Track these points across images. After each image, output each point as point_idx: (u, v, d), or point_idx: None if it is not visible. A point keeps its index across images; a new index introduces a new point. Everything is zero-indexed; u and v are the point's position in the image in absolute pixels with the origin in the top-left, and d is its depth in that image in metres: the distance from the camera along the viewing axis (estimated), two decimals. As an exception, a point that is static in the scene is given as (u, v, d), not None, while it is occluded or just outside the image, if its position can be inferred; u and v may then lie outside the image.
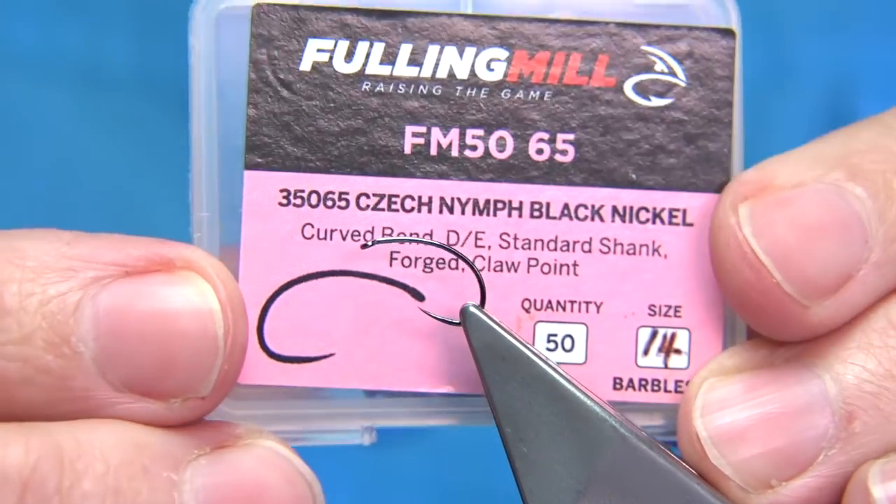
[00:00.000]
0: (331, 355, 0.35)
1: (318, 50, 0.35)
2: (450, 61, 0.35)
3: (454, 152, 0.35)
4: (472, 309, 0.34)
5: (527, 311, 0.35)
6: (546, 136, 0.35)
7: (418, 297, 0.35)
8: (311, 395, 0.35)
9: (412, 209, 0.35)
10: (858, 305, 0.34)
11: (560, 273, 0.35)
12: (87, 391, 0.31)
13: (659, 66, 0.35)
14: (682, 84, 0.36)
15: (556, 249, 0.35)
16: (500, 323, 0.34)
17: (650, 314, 0.35)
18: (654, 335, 0.35)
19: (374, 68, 0.35)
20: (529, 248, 0.35)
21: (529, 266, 0.35)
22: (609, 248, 0.35)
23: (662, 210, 0.35)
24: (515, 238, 0.35)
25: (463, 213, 0.35)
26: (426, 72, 0.35)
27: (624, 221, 0.35)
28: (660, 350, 0.35)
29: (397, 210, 0.35)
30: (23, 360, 0.31)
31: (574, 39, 0.35)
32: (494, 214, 0.35)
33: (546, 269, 0.35)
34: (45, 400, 0.31)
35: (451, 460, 0.49)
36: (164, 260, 0.32)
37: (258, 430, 0.33)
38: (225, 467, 0.32)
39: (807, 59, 0.50)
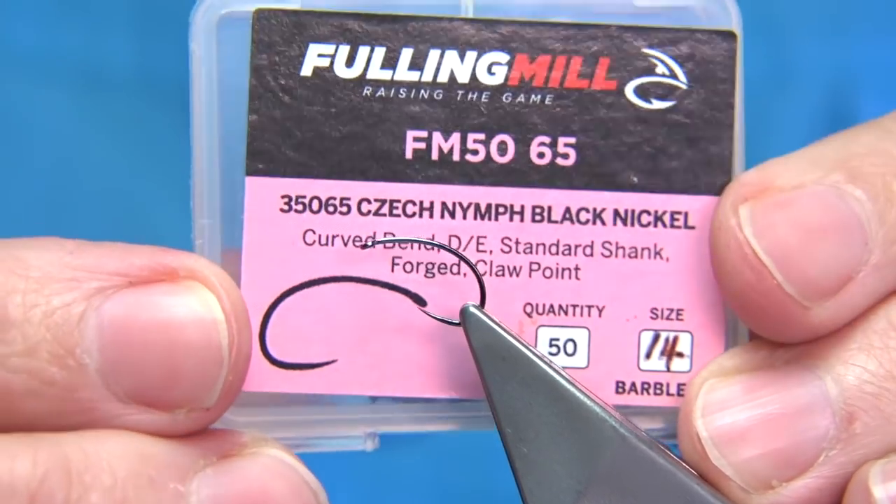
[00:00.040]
0: (333, 362, 0.35)
1: (319, 55, 0.35)
2: (451, 65, 0.35)
3: (455, 157, 0.35)
4: (472, 309, 0.34)
5: (529, 315, 0.35)
6: (547, 139, 0.35)
7: (420, 302, 0.35)
8: (314, 402, 0.35)
9: (414, 214, 0.35)
10: (858, 307, 0.34)
11: (562, 277, 0.35)
12: (92, 402, 0.31)
13: (660, 69, 0.35)
14: (684, 86, 0.35)
15: (557, 253, 0.35)
16: (500, 323, 0.34)
17: (652, 317, 0.35)
18: (656, 338, 0.35)
19: (375, 73, 0.35)
20: (531, 253, 0.35)
21: (531, 270, 0.35)
22: (611, 252, 0.35)
23: (664, 213, 0.35)
24: (517, 242, 0.35)
25: (464, 217, 0.35)
26: (427, 76, 0.35)
27: (626, 225, 0.35)
28: (662, 353, 0.35)
29: (399, 215, 0.35)
30: (27, 373, 0.31)
31: (575, 43, 0.35)
32: (496, 219, 0.35)
33: (548, 273, 0.35)
34: (49, 411, 0.31)
35: (452, 462, 0.49)
36: (168, 269, 0.32)
37: (263, 439, 0.33)
38: (231, 477, 0.32)
39: (807, 60, 0.50)
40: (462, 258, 0.35)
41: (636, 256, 0.35)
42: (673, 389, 0.35)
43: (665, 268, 0.35)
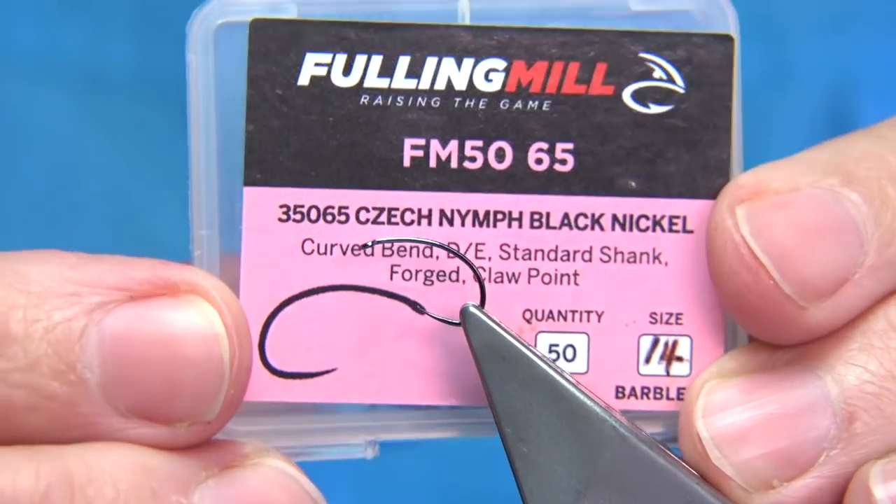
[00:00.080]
0: (332, 370, 0.35)
1: (316, 64, 0.35)
2: (448, 73, 0.35)
3: (453, 164, 0.35)
4: (472, 309, 0.34)
5: (528, 321, 0.35)
6: (545, 145, 0.35)
7: (419, 309, 0.35)
8: (314, 410, 0.35)
9: (412, 222, 0.35)
10: (854, 308, 0.34)
11: (561, 283, 0.35)
12: (93, 417, 0.31)
13: (657, 73, 0.35)
14: (681, 91, 0.35)
15: (556, 259, 0.35)
16: (500, 323, 0.34)
17: (651, 322, 0.35)
18: (655, 343, 0.36)
19: (373, 81, 0.35)
20: (530, 259, 0.35)
21: (530, 276, 0.35)
22: (609, 257, 0.35)
23: (663, 217, 0.36)
24: (516, 249, 0.35)
25: (463, 224, 0.35)
26: (424, 84, 0.35)
27: (624, 230, 0.35)
28: (661, 358, 0.36)
29: (397, 223, 0.35)
30: (29, 388, 0.31)
31: (572, 48, 0.35)
32: (494, 225, 0.35)
33: (547, 279, 0.35)
34: (51, 426, 0.31)
35: (452, 465, 0.50)
36: (169, 283, 0.32)
37: (265, 449, 0.33)
38: (232, 489, 0.32)
39: (806, 62, 0.50)
40: (461, 257, 0.35)
41: (635, 261, 0.35)
42: (673, 394, 0.36)
43: (664, 272, 0.35)
